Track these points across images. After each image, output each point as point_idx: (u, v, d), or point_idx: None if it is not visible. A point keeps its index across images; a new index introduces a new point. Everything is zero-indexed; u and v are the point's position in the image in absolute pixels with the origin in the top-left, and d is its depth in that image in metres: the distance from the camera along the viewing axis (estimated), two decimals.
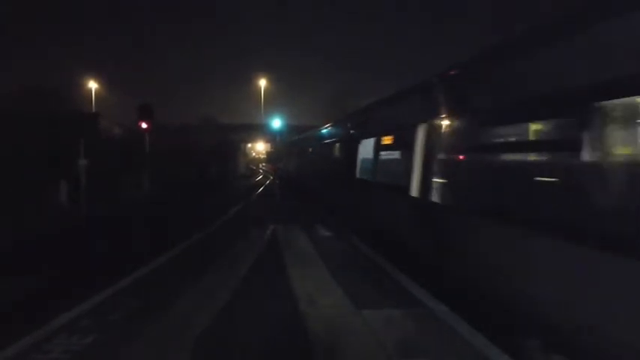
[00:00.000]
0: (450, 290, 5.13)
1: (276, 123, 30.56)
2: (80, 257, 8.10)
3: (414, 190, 6.68)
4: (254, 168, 64.95)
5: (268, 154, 65.54)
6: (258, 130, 45.86)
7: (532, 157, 4.82)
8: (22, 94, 27.12)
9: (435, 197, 6.14)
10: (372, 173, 9.53)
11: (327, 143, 15.69)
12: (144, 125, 16.08)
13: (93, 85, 46.35)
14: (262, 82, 49.08)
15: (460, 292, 4.91)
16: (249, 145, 73.27)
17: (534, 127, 4.68)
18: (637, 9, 3.06)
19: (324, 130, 16.60)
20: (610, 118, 3.50)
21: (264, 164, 69.03)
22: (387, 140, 8.87)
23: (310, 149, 19.88)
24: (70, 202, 14.20)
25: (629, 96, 3.23)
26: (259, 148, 78.09)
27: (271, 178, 37.86)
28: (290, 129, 34.06)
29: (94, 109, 39.07)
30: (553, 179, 4.39)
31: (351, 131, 11.99)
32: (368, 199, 9.68)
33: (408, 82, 9.28)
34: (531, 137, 4.76)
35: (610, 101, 3.41)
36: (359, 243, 8.77)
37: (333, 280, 6.24)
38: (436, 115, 6.18)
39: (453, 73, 6.10)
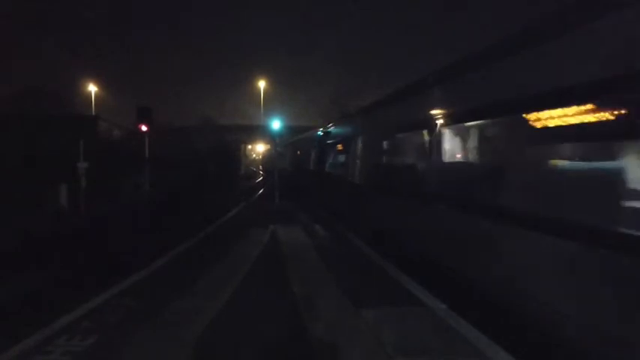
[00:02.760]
0: None
1: (276, 124, 30.38)
2: (78, 260, 8.14)
3: None
4: (254, 169, 64.94)
5: (263, 155, 65.49)
6: (258, 131, 45.87)
7: None
8: (22, 94, 27.22)
9: None
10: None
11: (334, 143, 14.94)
12: (143, 127, 16.12)
13: (92, 88, 46.38)
14: (262, 84, 49.15)
15: None
16: (249, 146, 73.27)
17: None
18: None
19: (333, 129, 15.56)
20: None
21: (261, 165, 68.92)
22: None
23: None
24: (70, 205, 14.24)
25: None
26: (259, 149, 78.09)
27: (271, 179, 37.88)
28: (290, 130, 33.98)
29: (93, 112, 39.12)
30: None
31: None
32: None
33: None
34: None
35: None
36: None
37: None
38: None
39: None
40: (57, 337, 4.35)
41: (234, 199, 18.84)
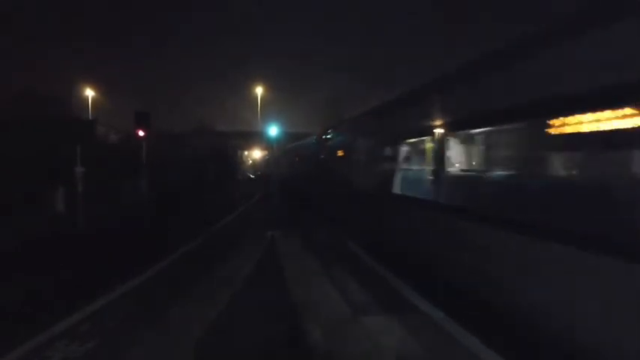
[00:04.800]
0: None
1: (273, 131, 30.40)
2: (76, 262, 8.09)
3: None
4: (251, 175, 64.88)
5: (254, 161, 65.69)
6: (256, 137, 45.89)
7: None
8: (21, 96, 27.18)
9: None
10: None
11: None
12: (141, 133, 16.10)
13: (90, 92, 46.27)
14: (259, 90, 49.22)
15: None
16: (246, 152, 73.31)
17: None
18: None
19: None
20: None
21: (258, 172, 68.88)
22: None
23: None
24: (69, 208, 14.18)
25: None
26: (256, 155, 78.23)
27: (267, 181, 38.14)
28: (288, 137, 33.98)
29: (90, 116, 39.01)
30: None
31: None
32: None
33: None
34: None
35: None
36: None
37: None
38: None
39: None
40: (57, 341, 4.32)
41: (234, 201, 18.95)
